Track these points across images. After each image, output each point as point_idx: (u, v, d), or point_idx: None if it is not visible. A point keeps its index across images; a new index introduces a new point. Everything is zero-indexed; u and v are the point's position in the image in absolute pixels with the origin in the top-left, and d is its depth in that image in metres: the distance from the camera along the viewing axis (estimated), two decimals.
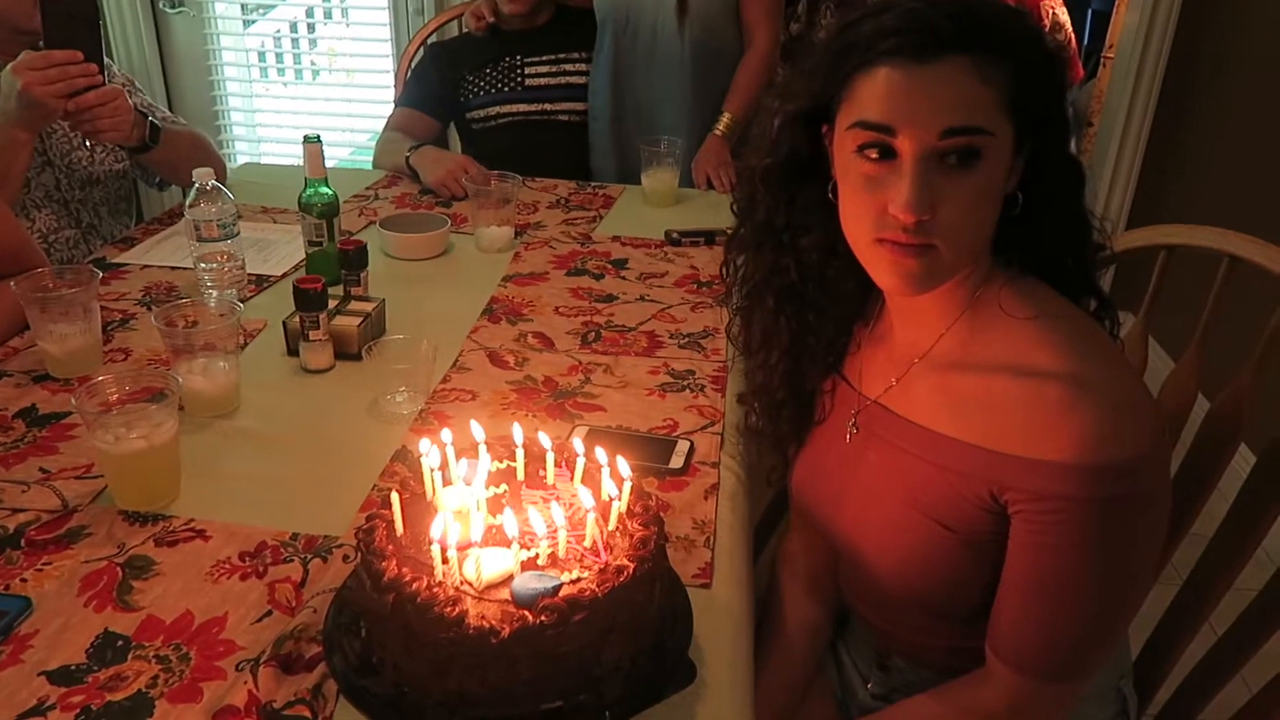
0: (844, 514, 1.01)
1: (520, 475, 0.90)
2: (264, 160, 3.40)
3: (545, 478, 0.90)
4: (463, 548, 0.77)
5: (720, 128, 2.19)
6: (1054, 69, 0.85)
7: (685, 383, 1.32)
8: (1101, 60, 3.54)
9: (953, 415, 0.89)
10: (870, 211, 0.84)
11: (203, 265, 1.49)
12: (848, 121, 0.85)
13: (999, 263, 0.91)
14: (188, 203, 1.47)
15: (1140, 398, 0.84)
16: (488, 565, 0.76)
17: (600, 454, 0.85)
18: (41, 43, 1.53)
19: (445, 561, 0.76)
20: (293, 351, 1.35)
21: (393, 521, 0.81)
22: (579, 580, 0.76)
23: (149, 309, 1.47)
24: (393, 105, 2.43)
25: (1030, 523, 0.83)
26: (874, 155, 0.83)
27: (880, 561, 0.97)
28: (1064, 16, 3.19)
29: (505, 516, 0.79)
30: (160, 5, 3.23)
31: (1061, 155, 0.87)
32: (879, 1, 0.84)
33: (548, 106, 2.34)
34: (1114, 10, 3.49)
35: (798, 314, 1.02)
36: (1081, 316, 0.89)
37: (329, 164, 1.58)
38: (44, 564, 0.94)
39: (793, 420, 1.07)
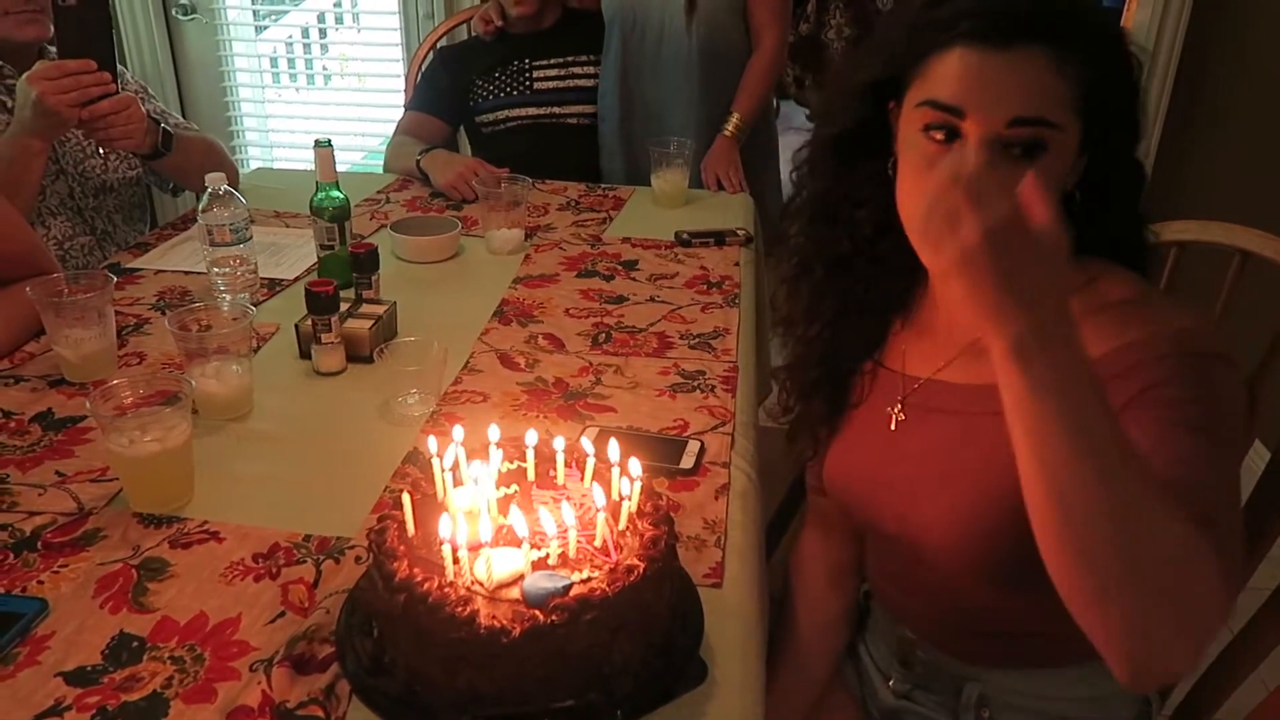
0: (889, 499, 0.99)
1: (531, 475, 0.90)
2: (276, 165, 3.41)
3: (555, 478, 0.90)
4: (474, 548, 0.77)
5: (729, 129, 2.20)
6: (1132, 70, 0.84)
7: (696, 383, 1.32)
8: None
9: None
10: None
11: (216, 269, 1.50)
12: (917, 99, 0.85)
13: None
14: (201, 208, 1.48)
15: (1198, 310, 0.84)
16: (498, 565, 0.76)
17: (613, 449, 0.85)
18: (55, 52, 1.55)
19: (456, 562, 0.76)
20: (305, 354, 1.36)
21: (404, 522, 0.82)
22: (589, 580, 0.76)
23: (163, 313, 1.48)
24: (403, 109, 2.44)
25: (1133, 395, 0.79)
26: (939, 136, 0.83)
27: (935, 536, 0.94)
28: None
29: (515, 516, 0.79)
30: (173, 12, 3.25)
31: (1126, 159, 0.86)
32: None
33: (556, 110, 2.35)
34: (1125, 8, 3.48)
35: (844, 288, 1.01)
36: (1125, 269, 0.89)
37: (340, 168, 1.59)
38: (60, 566, 0.95)
39: (826, 401, 1.06)
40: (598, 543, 0.80)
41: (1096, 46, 0.81)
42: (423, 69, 2.47)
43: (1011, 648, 0.94)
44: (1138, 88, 0.86)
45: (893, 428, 1.00)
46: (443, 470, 0.85)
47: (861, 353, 1.04)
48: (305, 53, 3.65)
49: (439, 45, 2.55)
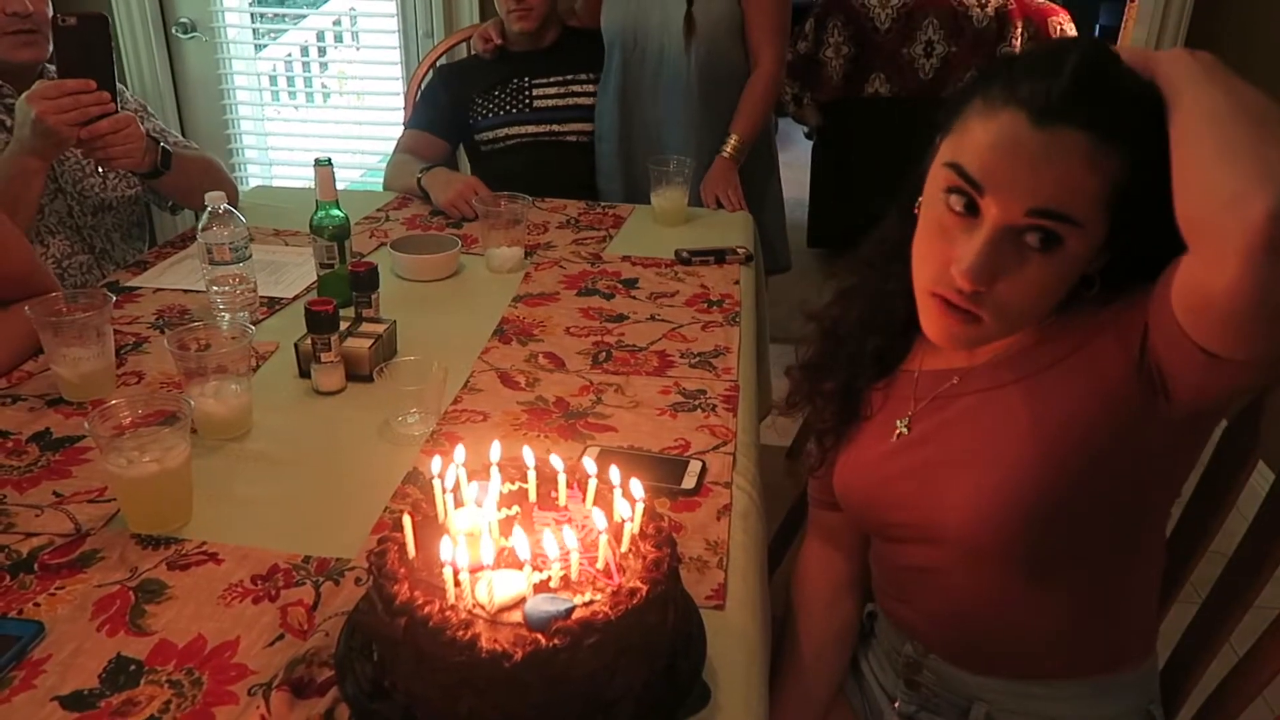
0: (905, 498, 0.98)
1: (532, 497, 0.90)
2: (275, 183, 3.42)
3: (557, 499, 0.90)
4: (475, 570, 0.77)
5: (728, 149, 2.21)
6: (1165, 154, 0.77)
7: (697, 402, 1.31)
8: None
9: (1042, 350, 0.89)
10: (934, 261, 0.84)
11: (215, 288, 1.50)
12: (947, 156, 0.83)
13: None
14: (200, 226, 1.48)
15: None
16: (500, 588, 0.76)
17: (614, 473, 0.85)
18: (55, 71, 1.55)
19: (457, 584, 0.76)
20: (304, 373, 1.35)
21: (404, 544, 0.81)
22: (591, 603, 0.75)
23: (162, 332, 1.48)
24: (402, 127, 2.44)
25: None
26: (958, 207, 0.82)
27: (965, 528, 0.92)
28: (1072, 32, 3.20)
29: (517, 538, 0.78)
30: (173, 30, 3.26)
31: (1152, 255, 0.80)
32: (1044, 47, 0.83)
33: (556, 127, 2.35)
34: (1122, 25, 3.50)
35: (870, 318, 1.02)
36: None
37: (340, 186, 1.59)
38: (57, 588, 0.94)
39: (835, 414, 1.06)
40: (600, 565, 0.79)
41: (1139, 141, 0.77)
42: (422, 87, 2.48)
43: (1020, 655, 0.94)
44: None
45: (906, 428, 1.00)
46: (444, 491, 0.84)
47: (879, 373, 1.04)
48: (305, 71, 3.66)
49: (438, 64, 2.56)
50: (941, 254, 0.83)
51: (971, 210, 0.81)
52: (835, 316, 1.07)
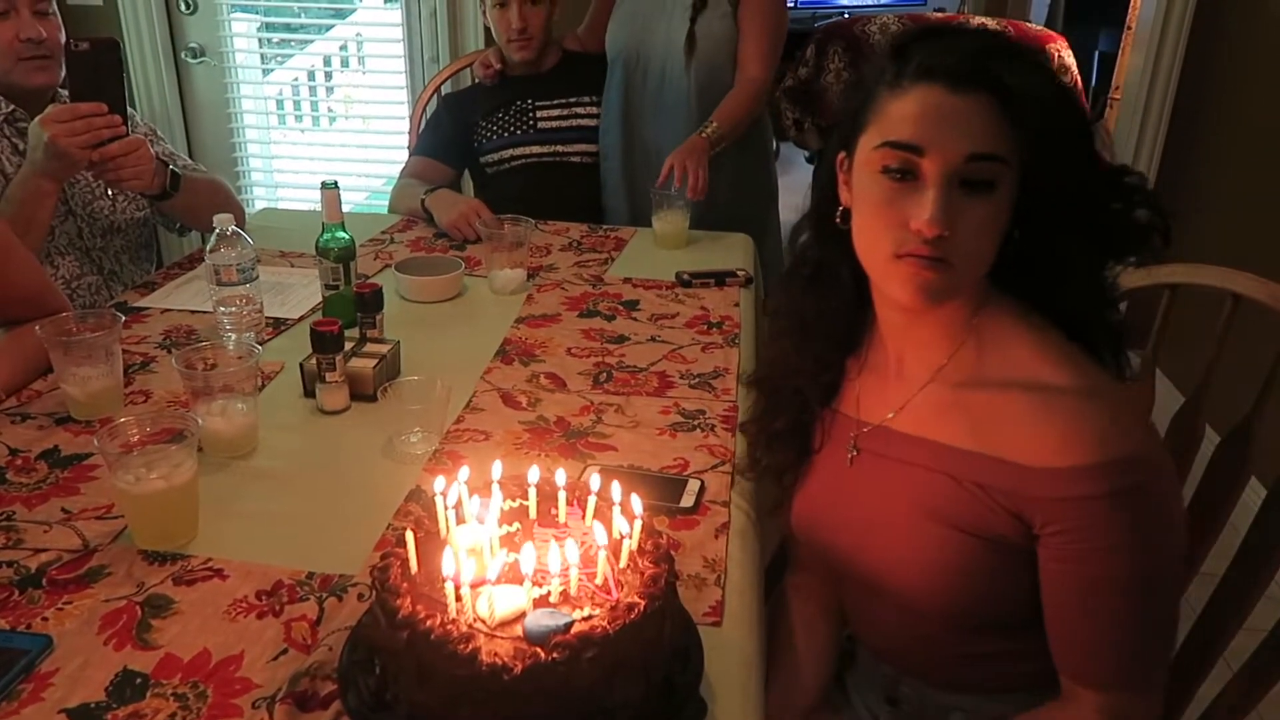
0: (849, 539, 1.02)
1: (533, 513, 0.91)
2: (282, 205, 3.45)
3: (557, 516, 0.91)
4: (476, 585, 0.78)
5: (707, 131, 2.15)
6: (1073, 124, 0.88)
7: (696, 422, 1.33)
8: (1108, 102, 3.57)
9: (970, 430, 0.92)
10: (891, 228, 0.89)
11: (222, 309, 1.52)
12: (874, 142, 0.89)
13: (995, 288, 0.95)
14: (208, 248, 1.50)
15: (1132, 397, 0.90)
16: (500, 602, 0.77)
17: (615, 490, 0.86)
18: (67, 95, 1.58)
19: (459, 599, 0.77)
20: (309, 393, 1.37)
21: (407, 560, 0.82)
22: (590, 618, 0.77)
23: (169, 352, 1.50)
24: (407, 151, 2.47)
25: (1064, 534, 0.86)
26: (897, 176, 0.88)
27: (894, 578, 0.97)
28: (1070, 59, 3.22)
29: (518, 554, 0.80)
30: (182, 56, 3.31)
31: (1062, 204, 0.89)
32: (923, 29, 0.91)
33: (560, 148, 2.38)
34: (1120, 52, 3.54)
35: (800, 339, 1.06)
36: (1060, 335, 0.93)
37: (345, 209, 1.61)
38: (65, 603, 0.95)
39: (790, 450, 1.09)
40: (599, 580, 0.81)
41: (1041, 104, 0.85)
42: (426, 115, 2.51)
43: (985, 676, 0.96)
44: (1077, 139, 0.89)
45: (848, 469, 1.04)
46: (445, 508, 0.86)
47: (821, 400, 1.08)
48: (311, 95, 3.70)
49: (442, 91, 2.59)
50: (896, 220, 0.88)
51: (910, 174, 0.87)
52: (772, 359, 1.11)
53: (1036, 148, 0.85)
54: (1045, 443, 0.86)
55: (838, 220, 0.96)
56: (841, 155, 0.96)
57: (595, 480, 0.89)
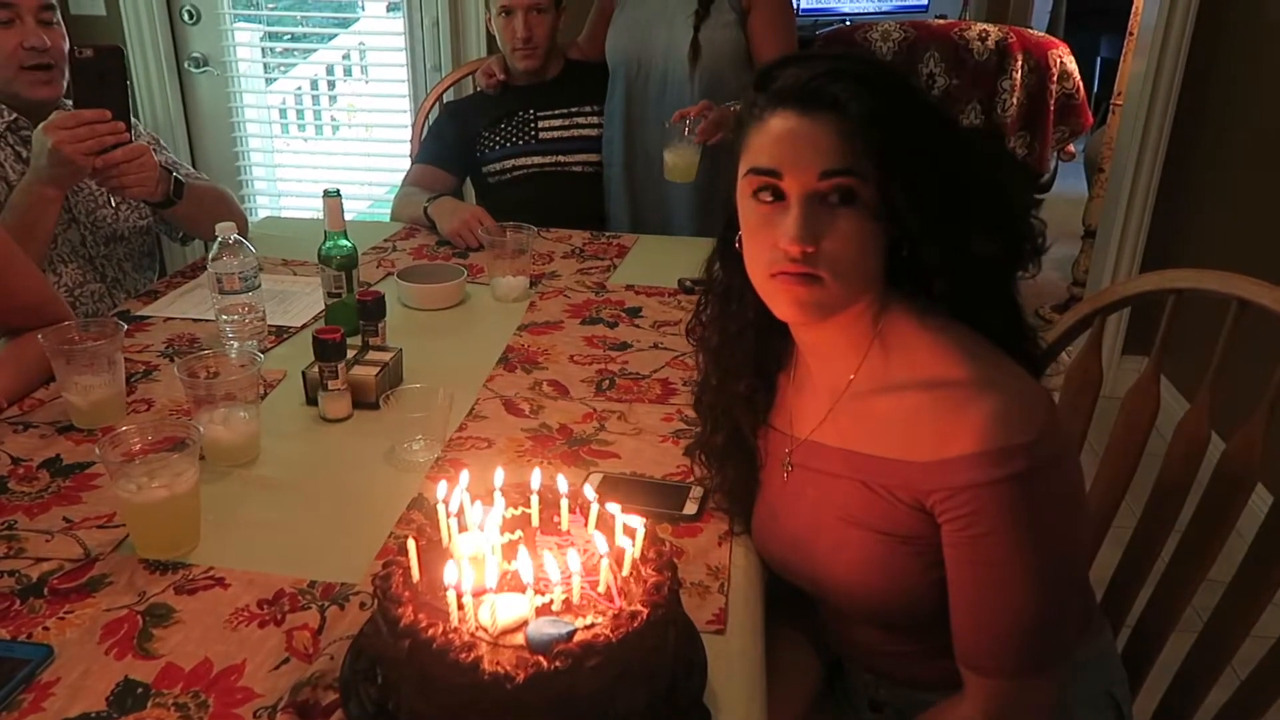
0: (794, 553, 1.04)
1: (535, 521, 0.91)
2: (284, 214, 3.45)
3: (560, 524, 0.91)
4: (478, 593, 0.78)
5: (735, 106, 2.13)
6: (920, 139, 0.90)
7: (699, 429, 1.32)
8: (1111, 107, 3.57)
9: (875, 436, 0.95)
10: (765, 248, 0.92)
11: (224, 317, 1.52)
12: (744, 170, 0.94)
13: (899, 294, 0.96)
14: (210, 256, 1.50)
15: (1028, 386, 0.91)
16: (503, 611, 0.77)
17: (613, 510, 0.86)
18: (71, 102, 1.58)
19: (461, 607, 0.77)
20: (312, 401, 1.37)
21: (409, 568, 0.82)
22: (593, 626, 0.76)
23: (171, 360, 1.50)
24: (409, 159, 2.47)
25: (956, 520, 0.88)
26: (767, 199, 0.92)
27: (841, 584, 1.00)
28: (1072, 65, 3.23)
29: (520, 562, 0.80)
30: (186, 65, 3.32)
31: (925, 206, 0.90)
32: (782, 59, 0.94)
33: (561, 158, 2.38)
34: (1122, 58, 3.54)
35: (717, 360, 1.09)
36: (967, 330, 0.94)
37: (348, 217, 1.61)
38: (66, 612, 0.95)
39: (736, 467, 1.11)
40: (601, 589, 0.80)
41: (890, 115, 0.88)
42: (429, 123, 2.52)
43: (947, 674, 0.96)
44: (932, 165, 0.90)
45: (785, 484, 1.06)
46: (448, 516, 0.85)
47: (749, 419, 1.09)
48: (314, 104, 3.71)
49: (445, 100, 2.59)
50: (769, 240, 0.92)
51: (779, 196, 0.91)
52: (703, 381, 1.12)
53: (879, 163, 0.88)
54: (939, 436, 0.89)
55: (736, 245, 0.99)
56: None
57: (589, 490, 0.89)
